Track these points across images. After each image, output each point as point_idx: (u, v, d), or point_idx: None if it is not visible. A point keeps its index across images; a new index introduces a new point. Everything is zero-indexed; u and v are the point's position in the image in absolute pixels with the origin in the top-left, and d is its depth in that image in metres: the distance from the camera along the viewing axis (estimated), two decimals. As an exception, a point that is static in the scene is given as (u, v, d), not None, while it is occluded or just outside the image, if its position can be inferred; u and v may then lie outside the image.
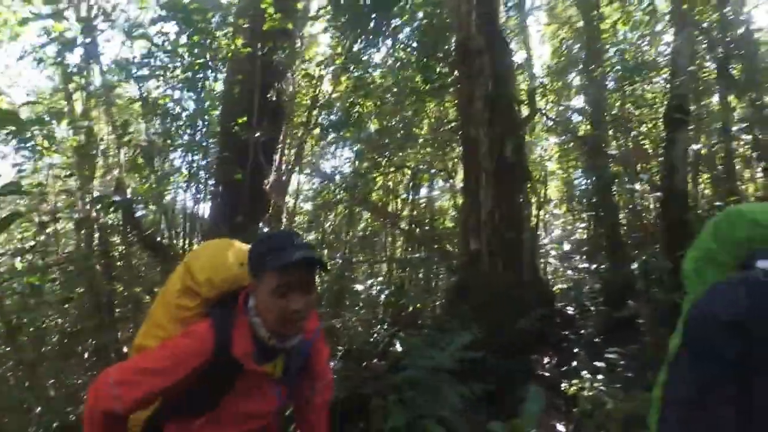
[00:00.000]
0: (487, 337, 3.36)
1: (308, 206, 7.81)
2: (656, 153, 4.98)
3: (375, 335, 4.31)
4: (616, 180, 4.82)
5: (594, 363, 2.98)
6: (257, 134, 4.81)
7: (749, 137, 5.19)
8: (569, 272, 4.15)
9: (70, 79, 3.25)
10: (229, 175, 4.79)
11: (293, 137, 6.71)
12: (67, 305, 3.69)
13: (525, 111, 4.63)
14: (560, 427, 2.67)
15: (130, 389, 1.15)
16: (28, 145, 2.99)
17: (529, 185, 4.44)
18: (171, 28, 3.98)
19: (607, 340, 3.26)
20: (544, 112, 5.27)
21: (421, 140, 7.18)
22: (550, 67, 7.30)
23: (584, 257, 4.31)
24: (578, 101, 6.28)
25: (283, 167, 6.11)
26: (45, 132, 3.26)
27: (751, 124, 5.04)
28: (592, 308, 3.40)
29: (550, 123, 5.95)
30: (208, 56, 4.36)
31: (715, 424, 0.72)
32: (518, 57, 7.09)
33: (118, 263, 4.23)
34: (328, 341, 4.07)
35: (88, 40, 2.98)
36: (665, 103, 4.64)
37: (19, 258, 3.70)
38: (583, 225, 5.30)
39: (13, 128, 2.68)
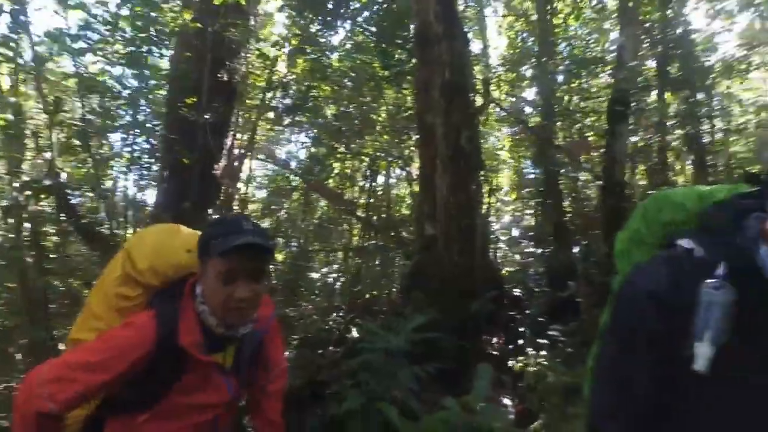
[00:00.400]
0: (441, 320, 3.47)
1: (262, 193, 7.61)
2: (599, 145, 5.30)
3: (331, 323, 4.32)
4: (562, 170, 5.09)
5: (538, 340, 3.17)
6: (207, 116, 4.59)
7: (682, 132, 5.64)
8: (517, 257, 4.36)
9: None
10: (176, 159, 4.55)
11: (246, 120, 6.47)
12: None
13: (480, 100, 4.73)
14: (507, 401, 2.82)
15: (64, 387, 1.08)
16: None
17: (482, 173, 4.58)
18: (111, -3, 3.68)
19: (550, 320, 3.47)
20: (497, 102, 5.42)
21: (378, 127, 7.16)
22: (505, 58, 7.49)
23: (531, 243, 4.54)
24: (530, 93, 6.52)
25: (235, 151, 5.89)
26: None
27: (683, 119, 5.46)
28: (537, 290, 3.60)
29: (503, 113, 6.13)
30: (152, 30, 4.08)
31: (628, 386, 0.78)
32: (475, 47, 7.23)
33: (52, 255, 3.94)
34: (283, 330, 4.04)
35: (16, 6, 2.69)
36: (609, 96, 4.92)
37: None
38: (530, 212, 5.56)
39: None
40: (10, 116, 3.26)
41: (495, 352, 3.42)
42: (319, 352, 3.83)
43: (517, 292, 3.80)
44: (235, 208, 6.08)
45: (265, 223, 6.70)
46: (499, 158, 6.75)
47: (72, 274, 3.78)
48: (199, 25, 4.18)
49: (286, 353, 3.73)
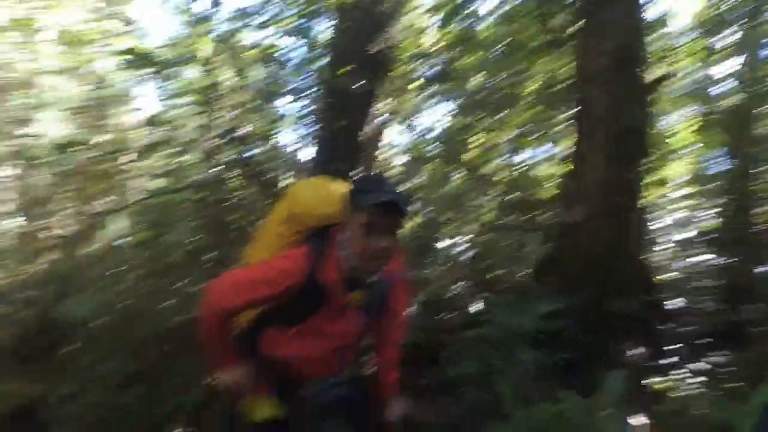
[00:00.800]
0: (576, 312, 3.21)
1: (402, 160, 7.88)
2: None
3: (455, 292, 4.37)
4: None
5: (691, 364, 2.70)
6: (357, 84, 4.92)
7: None
8: (681, 263, 3.67)
9: (198, 26, 3.60)
10: (330, 123, 5.03)
11: (393, 89, 6.69)
12: (193, 224, 4.32)
13: (657, 73, 4.00)
14: (643, 419, 2.51)
15: (241, 292, 1.39)
16: (166, 83, 3.43)
17: (649, 159, 3.93)
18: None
19: (711, 343, 2.90)
20: (681, 75, 4.46)
21: (527, 99, 6.67)
22: (695, 24, 6.09)
23: (706, 248, 3.76)
24: (725, 67, 5.18)
25: (380, 118, 6.18)
26: (179, 72, 3.71)
27: None
28: (702, 306, 3.01)
29: (689, 89, 5.04)
30: (318, 5, 4.47)
31: None
32: (653, 11, 5.98)
33: (233, 193, 4.78)
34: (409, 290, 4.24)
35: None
36: None
37: (157, 179, 4.39)
38: (711, 212, 4.55)
39: (153, 69, 3.08)
40: (207, 80, 3.96)
41: (634, 362, 3.03)
42: (440, 316, 3.94)
43: (675, 302, 3.24)
44: (375, 172, 6.47)
45: (402, 188, 6.98)
46: (673, 144, 5.64)
47: (246, 210, 4.54)
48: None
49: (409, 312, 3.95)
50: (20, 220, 4.83)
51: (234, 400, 1.66)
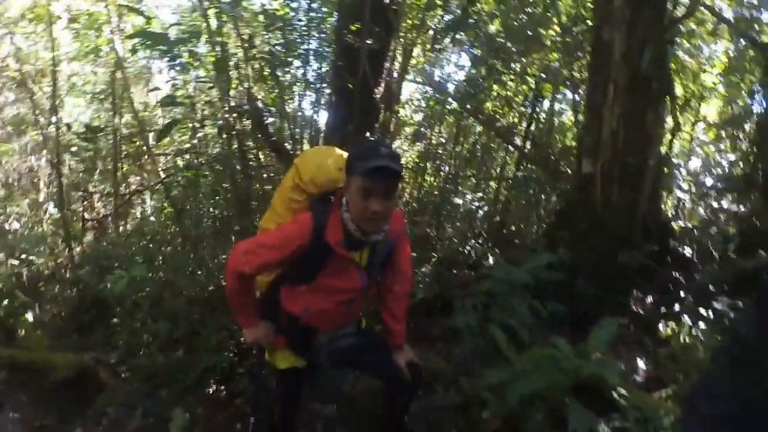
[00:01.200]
0: (583, 265, 3.25)
1: (419, 117, 7.77)
2: None
3: (468, 248, 4.46)
4: None
5: (700, 310, 2.72)
6: (368, 41, 4.79)
7: None
8: (700, 210, 3.55)
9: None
10: (343, 84, 4.98)
11: (406, 43, 6.48)
12: (216, 197, 4.56)
13: (681, 10, 3.70)
14: (641, 364, 2.60)
15: (252, 258, 1.57)
16: (177, 62, 3.52)
17: (672, 102, 3.74)
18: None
19: (723, 291, 2.87)
20: (710, 8, 4.04)
21: (548, 42, 6.31)
22: None
23: (727, 195, 3.60)
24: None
25: (394, 75, 6.06)
26: (189, 49, 3.77)
27: None
28: (716, 254, 2.94)
29: (722, 24, 4.57)
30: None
31: (746, 383, 0.72)
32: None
33: (251, 163, 4.95)
34: (423, 247, 4.37)
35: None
36: None
37: (179, 158, 4.58)
38: (733, 157, 4.28)
39: (164, 48, 3.17)
40: (218, 53, 4.01)
41: (641, 311, 3.07)
42: (453, 272, 4.07)
43: (688, 251, 3.20)
44: (391, 129, 6.44)
45: (418, 147, 6.94)
46: (705, 83, 5.22)
47: (264, 179, 4.72)
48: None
49: (424, 269, 4.11)
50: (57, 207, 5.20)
51: (259, 353, 1.89)
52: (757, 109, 4.53)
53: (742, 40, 4.61)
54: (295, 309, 1.69)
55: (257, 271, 1.58)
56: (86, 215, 4.97)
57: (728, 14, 4.78)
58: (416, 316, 3.39)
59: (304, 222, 1.54)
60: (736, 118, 4.72)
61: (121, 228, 4.91)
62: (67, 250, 4.70)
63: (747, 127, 4.51)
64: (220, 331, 3.13)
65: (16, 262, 4.75)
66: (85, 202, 5.11)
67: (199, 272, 3.70)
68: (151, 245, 4.22)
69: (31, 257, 4.83)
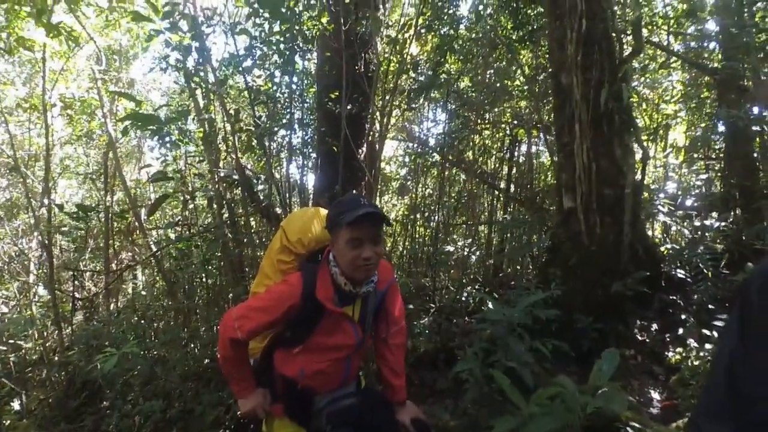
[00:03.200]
0: (577, 299, 3.25)
1: (404, 171, 8.02)
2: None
3: (466, 294, 4.43)
4: (763, 123, 3.93)
5: (703, 331, 2.70)
6: (348, 107, 5.08)
7: None
8: (686, 231, 3.64)
9: (191, 80, 3.85)
10: (328, 148, 5.20)
11: (383, 105, 6.87)
12: (208, 266, 4.54)
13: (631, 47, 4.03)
14: (655, 395, 2.53)
15: (245, 322, 1.56)
16: (167, 139, 3.68)
17: (637, 133, 3.95)
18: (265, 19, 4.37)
19: (722, 308, 2.88)
20: (658, 44, 4.43)
21: (516, 92, 6.74)
22: None
23: (706, 214, 3.72)
24: (708, 27, 5.12)
25: (375, 136, 6.35)
26: (179, 126, 3.96)
27: None
28: (708, 272, 2.98)
29: (672, 57, 5.00)
30: (299, 39, 4.69)
31: (754, 374, 0.71)
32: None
33: (243, 230, 5.01)
34: (420, 299, 4.34)
35: (197, 44, 3.49)
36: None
37: (171, 229, 4.62)
38: (704, 177, 4.48)
39: (155, 128, 3.34)
40: (206, 128, 4.21)
41: (645, 339, 3.03)
42: (453, 321, 4.02)
43: (680, 273, 3.24)
44: (378, 187, 6.60)
45: (405, 200, 7.10)
46: (667, 111, 5.58)
47: (256, 245, 4.74)
48: (333, 26, 4.60)
49: (423, 321, 4.05)
50: (47, 287, 5.15)
51: (257, 427, 1.81)
52: (721, 128, 4.79)
53: (693, 68, 4.97)
54: (291, 372, 1.65)
55: (249, 336, 1.55)
56: (77, 294, 4.89)
57: (677, 48, 5.22)
58: (420, 371, 3.30)
59: (294, 281, 1.55)
60: (702, 139, 4.98)
61: (112, 305, 4.82)
62: (56, 332, 4.57)
63: (717, 146, 4.77)
64: (216, 407, 2.99)
65: (3, 348, 4.57)
66: (76, 282, 5.06)
67: (192, 345, 3.60)
68: (142, 321, 4.12)
69: (19, 342, 4.67)
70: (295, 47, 4.42)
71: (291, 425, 1.71)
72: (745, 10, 4.49)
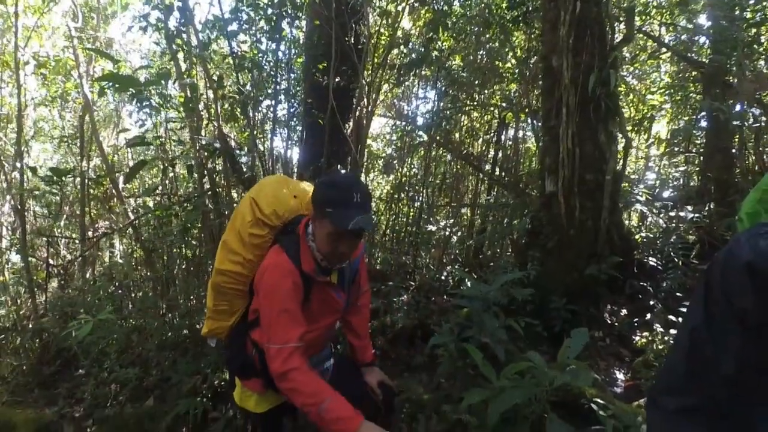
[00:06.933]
0: (553, 280, 3.33)
1: (390, 150, 7.96)
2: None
3: (445, 274, 4.50)
4: (744, 119, 4.01)
5: (669, 317, 2.81)
6: (337, 79, 4.97)
7: None
8: (660, 221, 3.74)
9: (172, 42, 3.69)
10: (314, 121, 5.11)
11: (372, 79, 6.75)
12: (188, 237, 4.47)
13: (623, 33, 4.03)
14: (620, 375, 2.64)
15: (286, 335, 1.45)
16: (146, 104, 3.55)
17: (622, 121, 3.99)
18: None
19: (689, 296, 3.00)
20: (649, 34, 4.43)
21: (507, 75, 6.69)
22: None
23: (681, 205, 3.82)
24: (699, 20, 5.14)
25: (363, 111, 6.26)
26: (159, 91, 3.82)
27: None
28: (678, 260, 3.09)
29: (662, 49, 5.01)
30: (288, 5, 4.52)
31: (716, 351, 0.74)
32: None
33: (224, 201, 4.93)
34: (400, 277, 4.37)
35: (180, 4, 3.34)
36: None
37: (149, 197, 4.52)
38: (683, 168, 4.59)
39: (134, 91, 3.21)
40: (188, 94, 4.07)
41: (614, 323, 3.15)
42: (431, 299, 4.08)
43: (652, 261, 3.34)
44: (363, 164, 6.55)
45: (389, 177, 7.08)
46: (653, 102, 5.64)
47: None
48: (324, -7, 4.43)
49: (403, 297, 4.10)
50: (20, 254, 5.03)
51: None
52: (704, 123, 4.88)
53: (682, 61, 5.01)
54: None
55: (301, 340, 1.46)
56: (51, 261, 4.77)
57: (668, 39, 5.23)
58: (397, 347, 3.37)
59: (284, 263, 1.50)
60: (683, 132, 5.07)
61: (88, 274, 4.73)
62: (30, 299, 4.47)
63: (698, 141, 4.87)
64: (193, 375, 3.00)
65: (-26, 315, 4.48)
66: (51, 249, 4.92)
67: (170, 315, 3.57)
68: (120, 290, 4.07)
69: (-9, 308, 4.58)
70: (284, 13, 4.27)
71: (273, 396, 1.71)
72: (737, 4, 4.51)
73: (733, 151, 4.63)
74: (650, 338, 2.90)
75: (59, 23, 6.26)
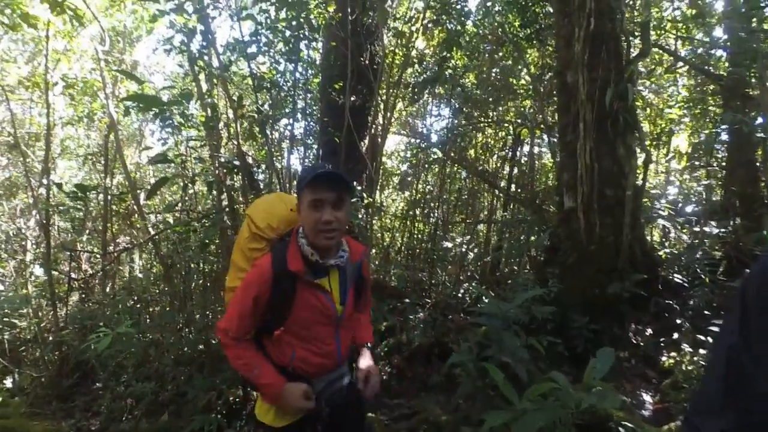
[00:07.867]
0: (573, 298, 3.25)
1: (404, 167, 8.00)
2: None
3: (462, 291, 4.43)
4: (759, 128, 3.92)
5: (698, 336, 2.70)
6: (352, 98, 5.05)
7: None
8: (684, 236, 3.63)
9: (194, 63, 3.82)
10: (330, 139, 5.18)
11: (387, 98, 6.84)
12: (206, 252, 4.52)
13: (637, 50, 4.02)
14: (647, 397, 2.53)
15: (229, 323, 1.57)
16: (168, 123, 3.65)
17: (641, 135, 3.94)
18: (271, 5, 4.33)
19: (718, 314, 2.88)
20: (665, 48, 4.40)
21: (521, 91, 6.71)
22: None
23: (705, 220, 3.71)
24: (716, 33, 5.08)
25: (378, 129, 6.32)
26: (181, 110, 3.93)
27: None
28: (705, 277, 2.98)
29: (679, 63, 4.97)
30: (305, 27, 4.65)
31: (755, 369, 0.70)
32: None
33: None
34: (417, 294, 4.33)
35: (202, 27, 3.46)
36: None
37: (169, 214, 4.60)
38: (705, 183, 4.48)
39: (157, 110, 3.30)
40: (208, 113, 4.18)
41: (639, 342, 3.04)
42: (448, 317, 4.02)
43: (678, 277, 3.23)
44: (378, 181, 6.58)
45: (405, 195, 7.08)
46: (671, 116, 5.56)
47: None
48: (340, 15, 4.55)
49: (419, 315, 4.05)
50: (44, 267, 5.14)
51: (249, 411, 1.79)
52: (725, 136, 4.79)
53: (700, 74, 4.95)
54: (283, 358, 1.65)
55: (239, 332, 1.58)
56: (73, 275, 4.87)
57: (684, 53, 5.18)
58: (414, 365, 3.31)
59: (262, 262, 1.57)
60: (704, 145, 4.97)
61: (108, 288, 4.81)
62: (51, 311, 4.55)
63: (719, 154, 4.76)
64: (208, 391, 2.99)
65: (-2, 325, 4.58)
66: (73, 263, 5.04)
67: (187, 330, 3.59)
68: (138, 304, 4.11)
69: (13, 320, 4.66)
70: (301, 35, 4.38)
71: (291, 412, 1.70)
72: (754, 15, 4.47)
73: (757, 164, 4.51)
74: (678, 359, 2.78)
75: (87, 46, 6.55)
